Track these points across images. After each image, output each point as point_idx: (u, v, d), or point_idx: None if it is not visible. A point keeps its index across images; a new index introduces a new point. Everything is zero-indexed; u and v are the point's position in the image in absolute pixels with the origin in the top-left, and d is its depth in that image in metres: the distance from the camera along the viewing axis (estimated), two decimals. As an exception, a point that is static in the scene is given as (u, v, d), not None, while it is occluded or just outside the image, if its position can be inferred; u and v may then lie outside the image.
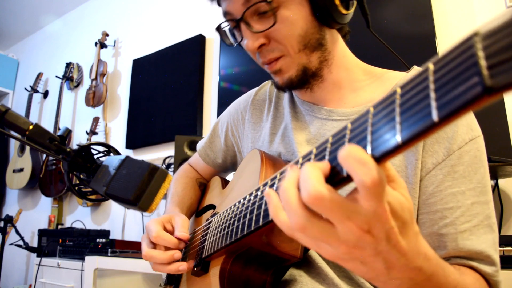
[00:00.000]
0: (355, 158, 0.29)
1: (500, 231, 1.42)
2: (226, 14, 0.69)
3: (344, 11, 0.65)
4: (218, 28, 0.73)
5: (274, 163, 0.65)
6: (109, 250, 1.98)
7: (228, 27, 0.73)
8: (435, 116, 0.24)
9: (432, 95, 0.25)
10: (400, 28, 1.75)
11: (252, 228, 0.47)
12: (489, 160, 1.20)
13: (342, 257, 0.35)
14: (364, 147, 0.30)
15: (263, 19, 0.65)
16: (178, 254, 0.67)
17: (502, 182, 1.46)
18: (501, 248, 1.04)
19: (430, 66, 0.26)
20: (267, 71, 0.72)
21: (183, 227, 0.70)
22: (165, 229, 0.71)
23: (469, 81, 0.22)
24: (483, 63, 0.21)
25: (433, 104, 0.24)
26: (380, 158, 0.29)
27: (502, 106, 1.38)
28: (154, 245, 0.69)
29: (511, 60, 0.20)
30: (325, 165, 0.33)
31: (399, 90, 0.28)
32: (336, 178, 0.32)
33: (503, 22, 0.21)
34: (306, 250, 0.62)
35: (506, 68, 0.20)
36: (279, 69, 0.69)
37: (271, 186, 0.44)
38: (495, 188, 1.43)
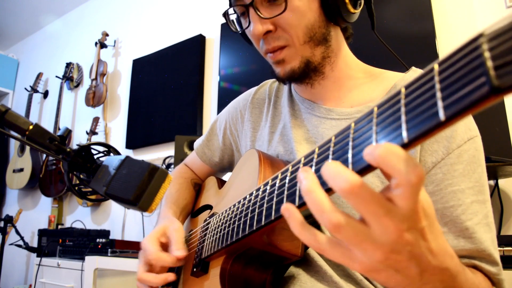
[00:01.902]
0: (397, 156, 0.27)
1: (500, 231, 1.42)
2: None
3: (352, 10, 0.66)
4: (225, 14, 0.73)
5: (272, 163, 0.65)
6: (109, 250, 1.98)
7: (235, 14, 0.73)
8: (441, 115, 0.25)
9: (438, 94, 0.25)
10: (400, 28, 1.75)
11: (254, 227, 0.47)
12: (489, 160, 1.20)
13: (376, 266, 0.33)
14: None
15: (273, 6, 0.66)
16: (171, 277, 0.68)
17: (502, 182, 1.45)
18: (501, 248, 1.04)
19: (435, 66, 0.26)
20: (269, 60, 0.72)
21: (178, 242, 0.69)
22: (162, 244, 0.71)
23: (476, 81, 0.23)
24: (490, 63, 0.22)
25: (440, 103, 0.25)
26: None
27: (502, 106, 1.38)
28: (150, 265, 0.69)
29: None
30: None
31: (403, 90, 0.28)
32: None
33: (508, 24, 0.21)
34: (306, 248, 0.62)
35: None
36: (282, 59, 0.69)
37: (272, 185, 0.44)
38: (495, 188, 1.43)
